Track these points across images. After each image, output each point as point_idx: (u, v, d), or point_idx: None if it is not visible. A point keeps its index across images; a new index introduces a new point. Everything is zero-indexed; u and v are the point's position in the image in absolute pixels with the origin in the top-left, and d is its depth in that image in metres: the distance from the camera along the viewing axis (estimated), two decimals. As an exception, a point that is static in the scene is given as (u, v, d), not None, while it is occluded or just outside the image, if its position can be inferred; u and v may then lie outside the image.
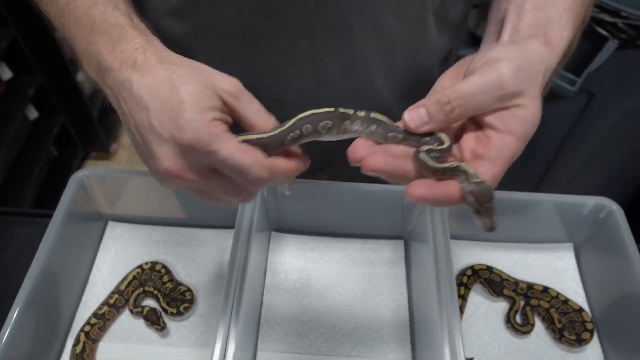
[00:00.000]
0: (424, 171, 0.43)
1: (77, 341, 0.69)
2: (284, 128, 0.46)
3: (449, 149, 0.45)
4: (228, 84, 0.44)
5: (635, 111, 1.36)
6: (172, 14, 0.61)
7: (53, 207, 0.72)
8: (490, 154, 0.43)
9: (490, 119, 0.44)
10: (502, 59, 0.43)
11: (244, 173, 0.42)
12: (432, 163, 0.43)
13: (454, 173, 0.43)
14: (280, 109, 0.68)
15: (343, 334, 0.74)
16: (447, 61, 0.75)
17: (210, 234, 0.83)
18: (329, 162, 0.79)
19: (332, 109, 0.47)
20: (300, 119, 0.47)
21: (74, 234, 0.74)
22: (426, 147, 0.44)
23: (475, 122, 0.46)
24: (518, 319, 0.75)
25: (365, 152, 0.44)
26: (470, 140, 0.46)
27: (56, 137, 1.99)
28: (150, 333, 0.73)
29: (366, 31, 0.61)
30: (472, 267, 0.79)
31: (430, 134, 0.46)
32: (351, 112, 0.47)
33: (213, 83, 0.43)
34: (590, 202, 0.75)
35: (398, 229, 0.83)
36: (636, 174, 1.52)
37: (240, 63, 0.64)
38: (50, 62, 1.86)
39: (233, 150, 0.41)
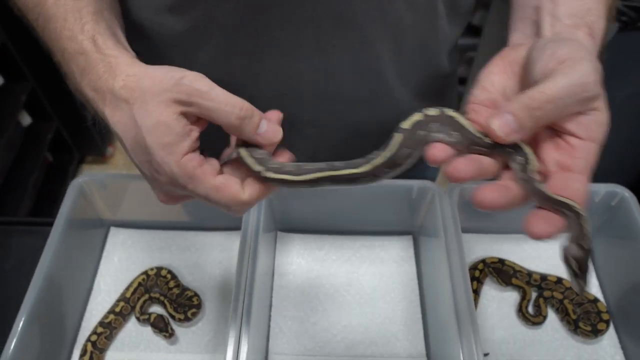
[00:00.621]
0: (532, 196, 0.39)
1: (84, 351, 0.68)
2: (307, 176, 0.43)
3: (536, 163, 0.40)
4: (183, 92, 0.41)
5: (637, 94, 1.35)
6: (171, 10, 0.59)
7: (51, 213, 0.70)
8: (578, 164, 0.40)
9: (570, 125, 0.40)
10: (581, 58, 0.40)
11: (223, 209, 0.43)
12: (547, 192, 0.39)
13: (564, 211, 0.39)
14: (285, 104, 0.66)
15: (355, 334, 0.72)
16: (454, 50, 0.73)
17: (215, 237, 0.81)
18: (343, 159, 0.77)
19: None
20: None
21: (76, 241, 0.72)
22: (518, 164, 0.40)
23: (550, 128, 0.42)
24: (530, 309, 0.74)
25: (444, 154, 0.41)
26: (550, 150, 0.42)
27: (50, 143, 1.96)
28: (158, 340, 0.71)
29: (374, 19, 0.59)
30: (483, 260, 0.77)
31: (514, 145, 0.40)
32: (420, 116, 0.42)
33: (173, 96, 0.41)
34: (602, 189, 0.73)
35: (406, 224, 0.82)
36: (638, 158, 1.51)
37: (243, 58, 0.62)
38: (41, 66, 1.82)
39: (208, 190, 0.42)
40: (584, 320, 0.71)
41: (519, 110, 0.39)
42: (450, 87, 0.80)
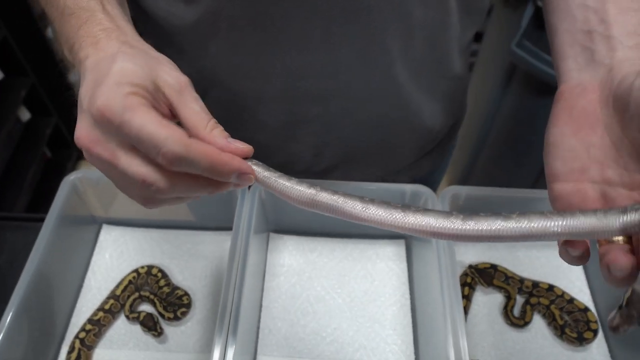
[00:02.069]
0: None
1: (72, 348, 0.68)
2: None
3: None
4: (174, 78, 0.41)
5: None
6: None
7: (47, 209, 0.70)
8: None
9: None
10: None
11: (157, 146, 0.36)
12: None
13: None
14: (293, 99, 0.66)
15: (345, 337, 0.72)
16: (465, 53, 0.73)
17: (207, 236, 0.81)
18: (343, 160, 0.77)
19: None
20: None
21: (67, 237, 0.72)
22: None
23: None
24: (515, 312, 0.74)
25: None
26: None
27: (49, 138, 1.96)
28: (147, 338, 0.71)
29: (384, 12, 0.57)
30: (475, 266, 0.77)
31: None
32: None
33: (157, 72, 0.41)
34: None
35: (399, 228, 0.81)
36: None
37: (252, 50, 0.61)
38: (41, 62, 1.83)
39: (146, 120, 0.37)
40: (571, 327, 0.71)
41: None
42: (461, 90, 0.80)
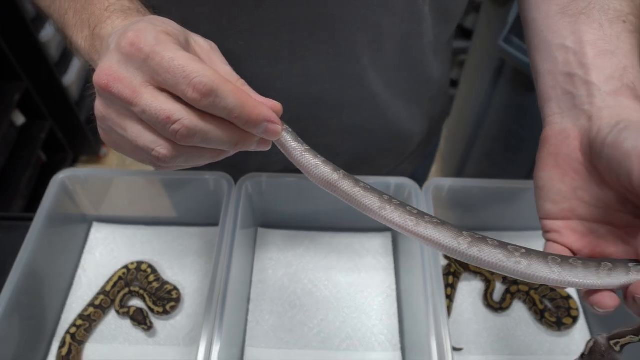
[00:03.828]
0: None
1: (63, 343, 0.69)
2: None
3: None
4: (204, 40, 0.42)
5: None
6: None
7: (42, 211, 0.71)
8: None
9: None
10: None
11: (189, 76, 0.35)
12: None
13: None
14: (310, 115, 0.66)
15: (332, 328, 0.73)
16: (444, 54, 0.73)
17: (196, 232, 0.82)
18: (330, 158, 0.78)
19: None
20: None
21: (57, 235, 0.74)
22: None
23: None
24: (495, 297, 0.76)
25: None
26: None
27: (44, 142, 1.97)
28: (137, 333, 0.72)
29: (351, 22, 0.58)
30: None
31: None
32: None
33: (189, 33, 0.41)
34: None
35: (385, 221, 0.83)
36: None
37: (275, 78, 0.62)
38: (35, 66, 1.84)
39: (178, 53, 0.35)
40: (551, 312, 0.73)
41: None
42: (440, 90, 0.81)
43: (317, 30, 0.58)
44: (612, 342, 0.43)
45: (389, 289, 0.77)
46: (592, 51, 0.44)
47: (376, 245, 0.82)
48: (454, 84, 2.03)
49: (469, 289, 0.78)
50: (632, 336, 0.42)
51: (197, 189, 0.77)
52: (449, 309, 0.75)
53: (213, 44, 0.43)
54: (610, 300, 0.37)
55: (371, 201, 0.42)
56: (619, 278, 0.38)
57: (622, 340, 0.43)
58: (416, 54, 0.67)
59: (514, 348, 0.72)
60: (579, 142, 0.43)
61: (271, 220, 0.83)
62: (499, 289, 0.77)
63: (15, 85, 1.79)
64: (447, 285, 0.75)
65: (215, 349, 0.59)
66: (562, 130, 0.44)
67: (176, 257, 0.80)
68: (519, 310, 0.76)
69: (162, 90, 0.36)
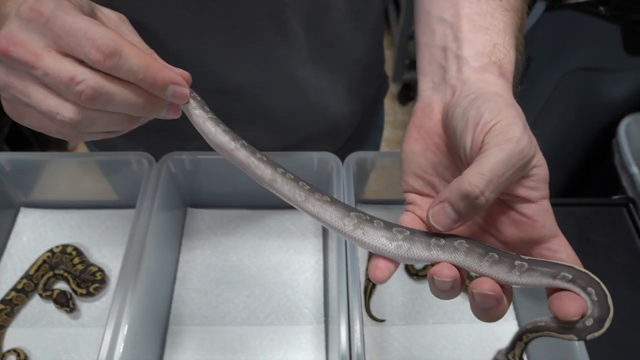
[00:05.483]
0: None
1: (-17, 328, 0.69)
2: None
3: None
4: (111, 12, 0.41)
5: (573, 71, 1.37)
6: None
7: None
8: (546, 232, 0.37)
9: (519, 191, 0.37)
10: (507, 118, 0.36)
11: (91, 38, 0.34)
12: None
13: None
14: (223, 101, 0.66)
15: (257, 304, 0.74)
16: (375, 32, 0.74)
17: (126, 214, 0.82)
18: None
19: None
20: None
21: (-21, 221, 0.73)
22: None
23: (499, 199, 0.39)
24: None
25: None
26: (510, 230, 0.39)
27: (8, 137, 1.95)
28: (61, 315, 0.72)
29: (269, 29, 0.59)
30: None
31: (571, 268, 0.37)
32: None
33: (95, 5, 0.40)
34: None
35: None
36: (580, 134, 1.53)
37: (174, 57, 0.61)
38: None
39: (79, 18, 0.35)
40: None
41: (457, 201, 0.35)
42: (374, 73, 0.81)
43: (220, 8, 0.57)
44: (509, 356, 0.42)
45: (316, 264, 0.78)
46: (467, 25, 0.44)
47: (306, 223, 0.82)
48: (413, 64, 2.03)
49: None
50: (519, 342, 0.41)
51: (123, 170, 0.76)
52: (374, 281, 0.75)
53: (122, 16, 0.42)
54: (448, 271, 0.37)
55: (264, 172, 0.42)
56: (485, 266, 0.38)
57: (516, 351, 0.41)
58: (328, 30, 0.66)
59: (438, 317, 0.73)
60: (441, 116, 0.43)
61: (201, 200, 0.83)
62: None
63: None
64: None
65: (123, 330, 0.58)
66: (429, 104, 0.44)
67: (105, 240, 0.80)
68: (444, 280, 0.76)
69: (66, 55, 0.36)
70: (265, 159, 0.42)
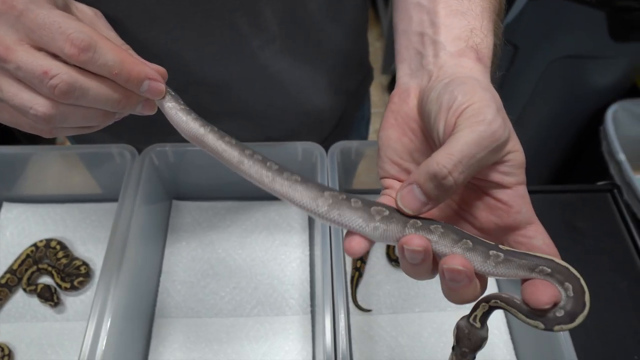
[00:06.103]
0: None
1: (-34, 323, 0.68)
2: None
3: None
4: (86, 7, 0.40)
5: (559, 59, 1.37)
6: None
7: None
8: (522, 218, 0.37)
9: (493, 176, 0.36)
10: (480, 101, 0.35)
11: (65, 32, 0.34)
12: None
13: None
14: (198, 94, 0.64)
15: (244, 295, 0.74)
16: (355, 22, 0.73)
17: (110, 207, 0.81)
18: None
19: None
20: None
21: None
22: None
23: (474, 185, 0.39)
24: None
25: None
26: (485, 216, 0.38)
27: (-7, 132, 1.93)
28: (45, 309, 0.71)
29: (243, 21, 0.58)
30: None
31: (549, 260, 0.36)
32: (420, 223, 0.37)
33: (70, 1, 0.40)
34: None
35: (300, 188, 0.82)
36: (568, 122, 1.53)
37: (146, 49, 0.61)
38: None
39: (53, 11, 0.35)
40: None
41: (425, 182, 0.34)
42: (355, 64, 0.80)
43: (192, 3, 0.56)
44: (470, 320, 0.40)
45: (302, 254, 0.78)
46: (444, 10, 0.44)
47: (293, 213, 0.82)
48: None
49: (383, 252, 0.78)
50: (484, 303, 0.39)
51: (106, 163, 0.76)
52: (361, 270, 0.75)
53: (98, 12, 0.42)
54: (419, 240, 0.36)
55: (231, 155, 0.42)
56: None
57: (477, 312, 0.39)
58: (304, 20, 0.65)
59: (424, 305, 0.73)
60: (417, 100, 0.42)
61: (187, 192, 0.83)
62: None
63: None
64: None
65: (105, 323, 0.58)
66: (405, 89, 0.44)
67: (90, 233, 0.79)
68: (431, 269, 0.76)
69: (39, 49, 0.35)
70: (233, 142, 0.42)
